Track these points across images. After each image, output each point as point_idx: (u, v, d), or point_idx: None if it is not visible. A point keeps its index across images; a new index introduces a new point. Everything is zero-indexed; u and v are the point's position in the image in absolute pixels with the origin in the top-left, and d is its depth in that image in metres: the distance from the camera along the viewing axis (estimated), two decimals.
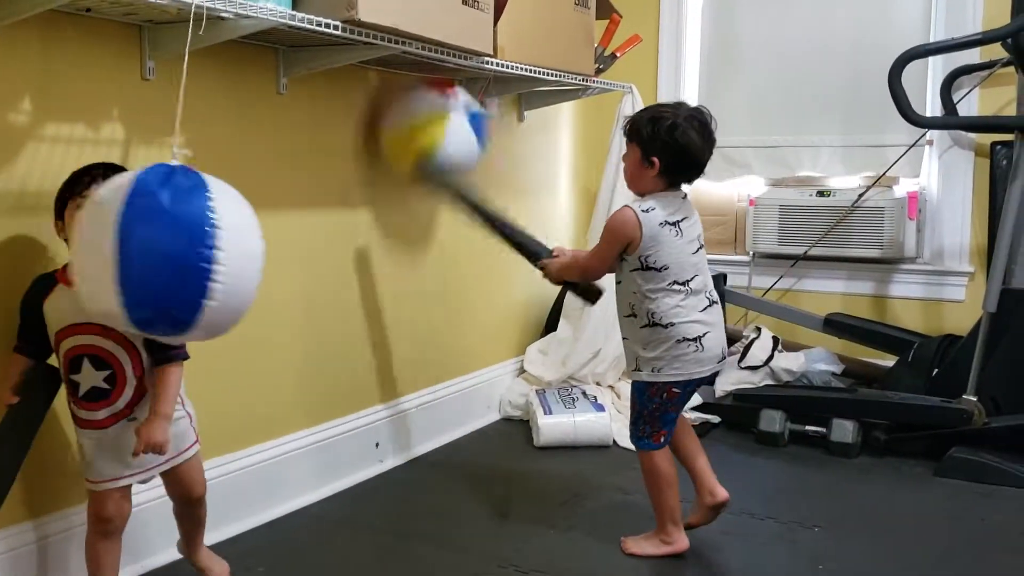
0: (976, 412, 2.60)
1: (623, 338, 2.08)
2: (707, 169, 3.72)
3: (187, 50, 1.56)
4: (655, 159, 1.96)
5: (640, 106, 3.35)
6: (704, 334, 1.98)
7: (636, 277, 1.98)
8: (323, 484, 2.44)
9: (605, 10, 3.05)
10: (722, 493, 2.09)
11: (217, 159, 2.08)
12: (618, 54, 3.16)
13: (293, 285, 2.32)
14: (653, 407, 2.02)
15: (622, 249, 1.98)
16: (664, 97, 3.74)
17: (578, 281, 2.18)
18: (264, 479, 2.25)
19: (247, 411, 2.23)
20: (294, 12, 1.82)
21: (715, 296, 2.05)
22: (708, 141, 1.98)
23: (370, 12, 1.89)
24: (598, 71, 3.08)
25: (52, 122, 1.74)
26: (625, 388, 3.25)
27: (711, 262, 3.48)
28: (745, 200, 3.65)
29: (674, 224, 1.97)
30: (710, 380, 2.12)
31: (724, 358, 2.07)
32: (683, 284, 1.97)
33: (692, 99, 3.75)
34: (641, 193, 2.02)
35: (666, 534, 2.06)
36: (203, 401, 2.08)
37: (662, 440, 2.04)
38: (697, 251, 2.01)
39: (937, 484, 2.56)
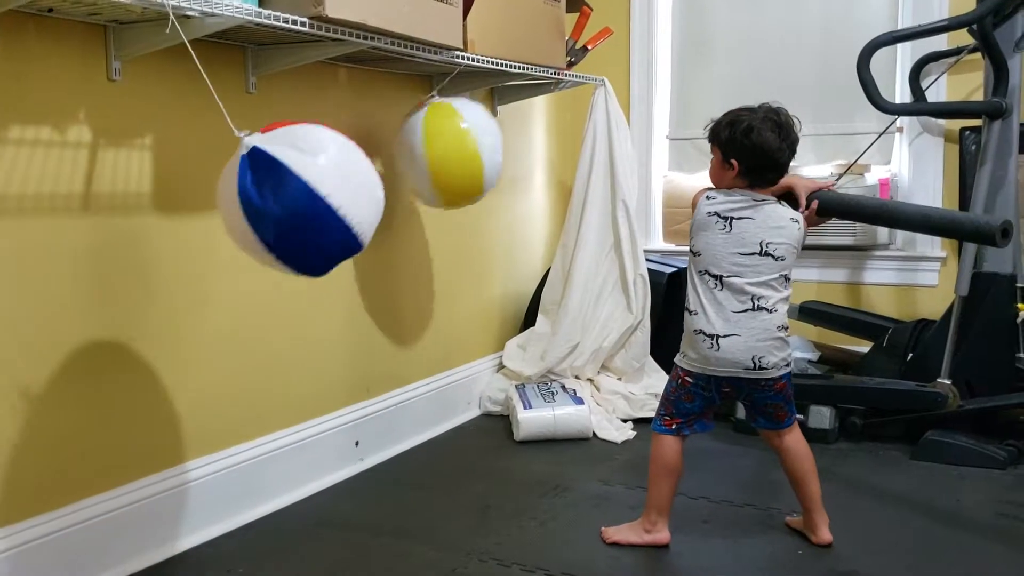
0: (950, 395, 2.62)
1: None
2: (681, 161, 3.80)
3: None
4: (734, 161, 1.99)
5: (613, 100, 3.37)
6: (725, 335, 1.97)
7: (689, 260, 2.06)
8: (303, 484, 2.43)
9: (575, 3, 3.06)
10: (824, 537, 2.07)
11: (186, 159, 2.07)
12: (589, 47, 3.16)
13: (268, 284, 2.31)
14: (671, 389, 2.09)
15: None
16: (637, 90, 3.76)
17: None
18: (243, 480, 2.24)
19: (224, 412, 2.21)
20: (260, 9, 1.81)
21: (765, 304, 1.97)
22: (786, 141, 1.98)
23: (337, 8, 1.88)
24: (570, 64, 3.08)
25: (16, 124, 1.72)
26: (605, 381, 3.27)
27: (687, 255, 3.54)
28: None
29: (726, 219, 1.98)
30: (748, 394, 2.03)
31: (754, 369, 1.98)
32: (715, 277, 1.98)
33: (665, 91, 3.78)
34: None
35: (650, 523, 2.08)
36: (180, 402, 2.08)
37: (673, 428, 2.06)
38: (751, 255, 1.96)
39: (913, 467, 2.58)
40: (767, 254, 1.97)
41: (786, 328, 2.03)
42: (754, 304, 1.97)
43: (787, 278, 2.02)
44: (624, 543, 2.08)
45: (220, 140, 2.14)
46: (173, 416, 2.07)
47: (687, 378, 2.05)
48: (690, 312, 2.03)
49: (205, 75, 1.71)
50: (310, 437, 2.46)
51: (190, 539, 2.10)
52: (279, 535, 2.18)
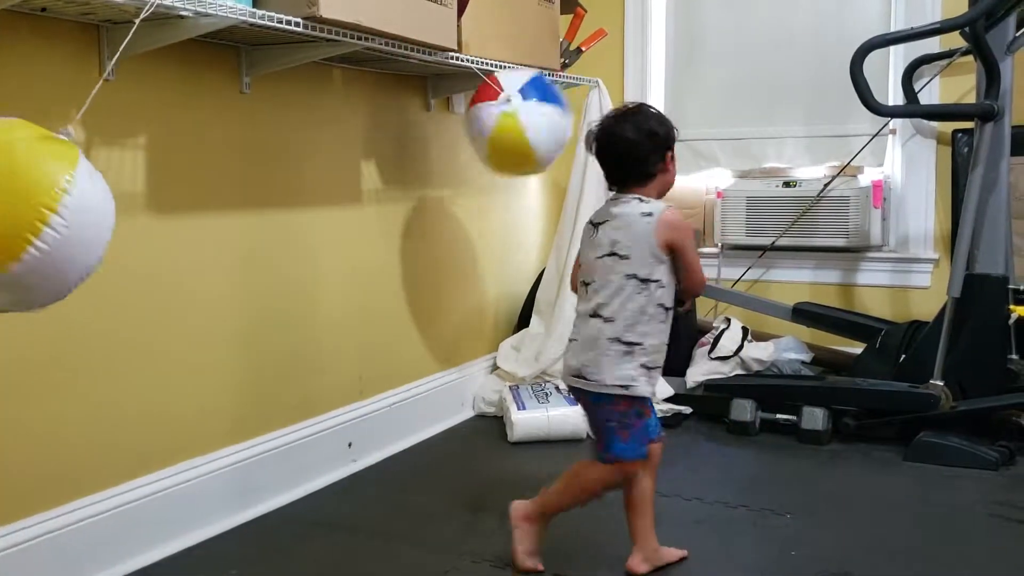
0: (943, 396, 2.63)
1: None
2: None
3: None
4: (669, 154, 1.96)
5: (607, 100, 3.37)
6: (570, 344, 1.94)
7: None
8: (296, 485, 2.42)
9: (570, 4, 3.07)
10: (636, 567, 1.94)
11: (178, 160, 2.07)
12: (584, 48, 3.17)
13: (260, 285, 2.31)
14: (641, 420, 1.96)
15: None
16: (631, 90, 3.76)
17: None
18: (236, 482, 2.23)
19: (218, 414, 2.21)
20: (254, 10, 1.81)
21: (604, 313, 1.86)
22: (604, 148, 1.92)
23: (331, 8, 1.88)
24: (564, 65, 3.09)
25: None
26: None
27: None
28: (713, 193, 3.67)
29: (595, 225, 1.94)
30: (587, 404, 1.95)
31: (576, 377, 1.89)
32: (585, 285, 1.93)
33: (659, 92, 3.78)
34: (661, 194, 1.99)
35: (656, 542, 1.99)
36: (171, 404, 2.08)
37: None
38: (601, 257, 1.89)
39: (906, 468, 2.59)
40: (612, 254, 1.87)
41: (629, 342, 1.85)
42: (594, 312, 1.88)
43: (643, 280, 1.85)
44: (662, 564, 1.96)
45: (214, 140, 2.16)
46: (165, 418, 2.07)
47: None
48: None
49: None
50: (303, 439, 2.45)
51: (182, 541, 2.09)
52: (272, 537, 2.18)
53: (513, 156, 2.52)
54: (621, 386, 1.85)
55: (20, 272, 1.30)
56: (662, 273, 1.86)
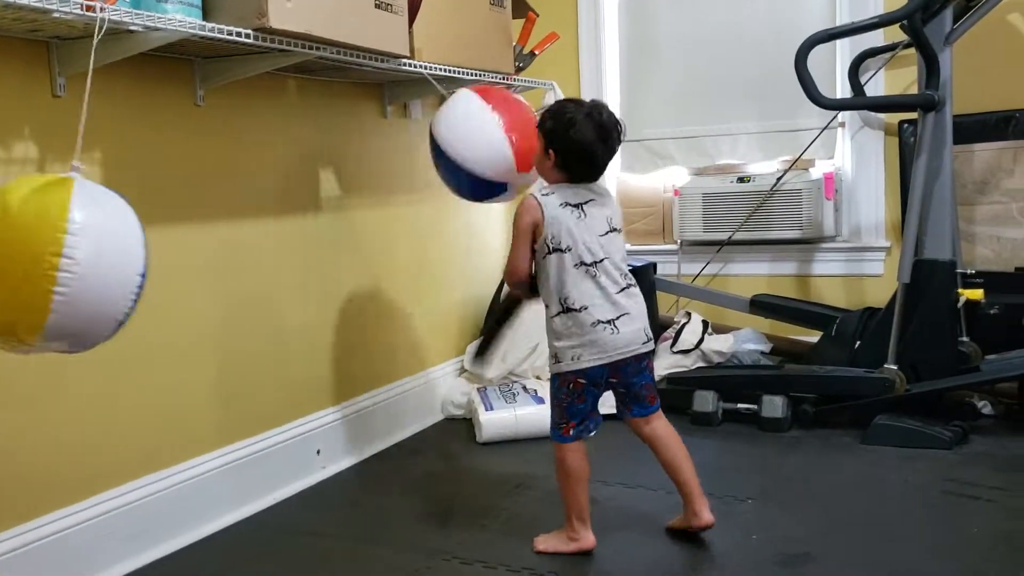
0: (897, 380, 2.70)
1: (547, 333, 2.07)
2: (633, 162, 3.85)
3: (92, 62, 1.56)
4: (552, 152, 1.99)
5: None
6: (619, 316, 1.99)
7: (547, 265, 2.00)
8: (266, 493, 2.43)
9: (521, 9, 3.10)
10: (707, 518, 2.06)
11: (134, 175, 2.07)
12: (537, 52, 3.21)
13: (221, 294, 2.32)
14: (561, 396, 2.04)
15: (531, 236, 2.00)
16: (587, 92, 3.81)
17: (515, 285, 2.12)
18: (205, 491, 2.25)
19: (185, 424, 2.22)
20: (204, 23, 1.83)
21: (632, 280, 2.05)
22: (605, 142, 1.98)
23: (281, 19, 1.90)
24: (518, 69, 3.13)
25: None
26: None
27: (642, 253, 3.60)
28: (670, 190, 3.73)
29: (576, 206, 1.99)
30: (627, 379, 2.04)
31: (647, 342, 2.04)
32: (591, 265, 1.98)
33: (614, 93, 3.84)
34: (547, 182, 2.07)
35: (572, 531, 2.05)
36: (135, 416, 2.08)
37: (571, 434, 2.04)
38: (607, 233, 2.01)
39: (863, 451, 2.65)
40: (613, 230, 2.03)
41: None
42: (627, 283, 2.03)
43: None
44: (551, 552, 2.06)
45: (169, 153, 2.17)
46: (128, 431, 2.08)
47: (579, 380, 2.00)
48: (578, 310, 1.97)
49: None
50: (271, 447, 2.46)
51: (154, 552, 2.10)
52: (240, 546, 2.19)
53: None
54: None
55: (58, 322, 1.37)
56: None
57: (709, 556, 2.02)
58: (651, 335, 2.07)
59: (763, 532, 2.11)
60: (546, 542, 2.09)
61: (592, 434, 2.08)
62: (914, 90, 3.02)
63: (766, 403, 2.85)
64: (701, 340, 3.21)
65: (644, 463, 2.21)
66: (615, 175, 3.85)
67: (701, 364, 3.17)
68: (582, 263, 1.98)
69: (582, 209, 1.99)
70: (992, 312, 2.86)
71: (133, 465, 2.09)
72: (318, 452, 2.63)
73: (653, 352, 2.10)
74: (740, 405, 2.93)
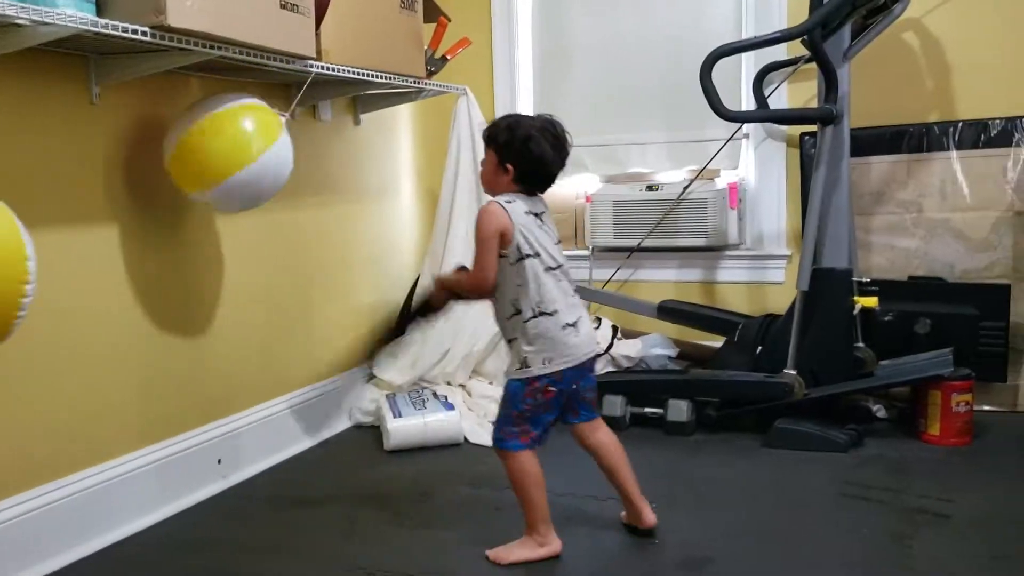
0: (796, 385, 2.77)
1: (509, 341, 2.06)
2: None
3: None
4: (510, 166, 2.02)
5: (475, 109, 3.42)
6: (578, 319, 2.06)
7: (521, 270, 2.00)
8: (164, 504, 2.36)
9: (433, 13, 3.09)
10: (650, 519, 2.14)
11: (21, 174, 1.99)
12: (448, 56, 3.20)
13: (122, 298, 2.25)
14: (527, 406, 2.03)
15: (499, 244, 1.99)
16: (500, 99, 3.82)
17: (480, 295, 2.11)
18: (97, 503, 2.17)
19: (74, 433, 2.13)
20: (97, 18, 1.76)
21: (575, 287, 2.14)
22: (559, 153, 2.05)
23: (180, 17, 1.85)
24: (430, 73, 3.11)
25: None
26: (476, 386, 3.30)
27: None
28: (582, 197, 3.76)
29: (536, 215, 2.05)
30: (580, 382, 2.07)
31: (598, 343, 2.16)
32: (556, 269, 2.04)
33: (528, 101, 3.85)
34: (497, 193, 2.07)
35: (539, 535, 2.05)
36: (25, 424, 2.00)
37: (529, 442, 2.04)
38: (558, 243, 2.09)
39: (764, 454, 2.72)
40: (559, 241, 2.11)
41: None
42: (573, 287, 2.11)
43: None
44: (522, 561, 2.03)
45: (61, 153, 2.08)
46: (24, 438, 1.99)
47: (550, 388, 2.02)
48: (551, 313, 2.00)
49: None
50: (169, 456, 2.39)
51: (40, 568, 2.01)
52: (134, 560, 2.12)
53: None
54: None
55: None
56: None
57: (613, 561, 2.05)
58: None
59: (667, 536, 2.14)
60: (510, 552, 2.05)
61: (544, 439, 2.08)
62: (815, 103, 3.12)
63: (672, 407, 2.90)
64: (611, 345, 3.25)
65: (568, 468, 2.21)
66: None
67: (610, 369, 3.21)
68: (549, 268, 2.03)
69: (541, 218, 2.05)
70: (886, 319, 2.97)
71: (22, 478, 2.00)
72: (219, 462, 2.57)
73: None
74: (647, 409, 2.97)
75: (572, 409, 2.10)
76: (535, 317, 2.01)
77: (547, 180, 2.07)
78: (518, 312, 2.02)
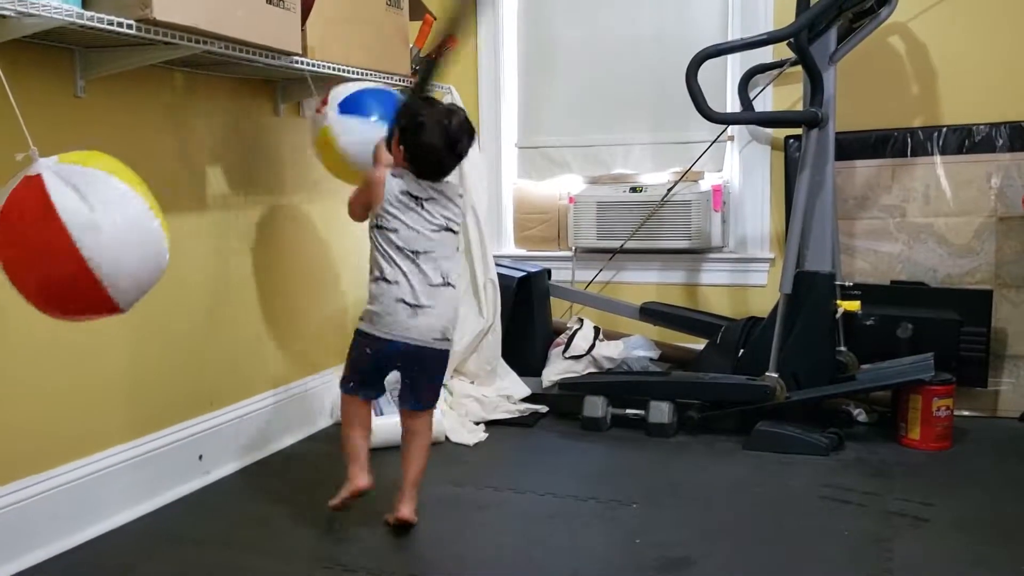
0: (778, 388, 2.79)
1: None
2: (529, 169, 3.88)
3: None
4: (402, 147, 2.14)
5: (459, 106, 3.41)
6: (423, 306, 2.12)
7: (375, 235, 2.15)
8: (144, 499, 2.35)
9: (419, 11, 3.08)
10: (404, 512, 2.21)
11: (2, 167, 1.96)
12: (435, 57, 3.18)
13: None
14: (354, 355, 2.21)
15: (368, 200, 2.16)
16: (485, 98, 3.82)
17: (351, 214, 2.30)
18: (77, 498, 2.15)
19: (56, 427, 2.12)
20: (83, 11, 1.75)
21: (453, 283, 2.19)
22: (452, 149, 2.12)
23: (166, 11, 1.84)
24: (415, 72, 3.10)
25: None
26: (458, 385, 3.30)
27: (537, 259, 3.63)
28: (566, 198, 3.77)
29: (415, 198, 2.13)
30: (418, 370, 2.18)
31: (441, 341, 2.16)
32: (412, 253, 2.12)
33: (512, 100, 3.85)
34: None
35: (349, 472, 2.21)
36: (7, 418, 1.98)
37: (350, 387, 2.22)
38: (439, 231, 2.15)
39: (745, 456, 2.74)
40: (449, 230, 2.18)
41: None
42: (443, 282, 2.16)
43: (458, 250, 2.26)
44: (340, 501, 2.21)
45: (45, 144, 2.05)
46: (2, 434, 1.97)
47: (367, 349, 2.15)
48: (388, 281, 2.11)
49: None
50: (149, 452, 2.38)
51: (19, 563, 1.99)
52: (115, 554, 2.10)
53: (337, 169, 2.55)
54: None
55: None
56: None
57: (592, 559, 2.05)
58: (450, 338, 2.19)
59: (647, 536, 2.15)
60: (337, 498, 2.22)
61: (369, 400, 2.25)
62: (800, 107, 3.14)
63: (653, 409, 2.91)
64: (592, 346, 3.25)
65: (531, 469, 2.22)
66: (512, 181, 3.87)
67: (592, 370, 3.21)
68: (405, 248, 2.11)
69: (421, 203, 2.13)
70: (868, 323, 2.99)
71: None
72: (200, 458, 2.55)
73: (446, 356, 2.23)
74: (629, 410, 2.98)
75: (403, 395, 2.24)
76: (375, 281, 2.15)
77: (435, 169, 2.15)
78: (371, 270, 2.17)
